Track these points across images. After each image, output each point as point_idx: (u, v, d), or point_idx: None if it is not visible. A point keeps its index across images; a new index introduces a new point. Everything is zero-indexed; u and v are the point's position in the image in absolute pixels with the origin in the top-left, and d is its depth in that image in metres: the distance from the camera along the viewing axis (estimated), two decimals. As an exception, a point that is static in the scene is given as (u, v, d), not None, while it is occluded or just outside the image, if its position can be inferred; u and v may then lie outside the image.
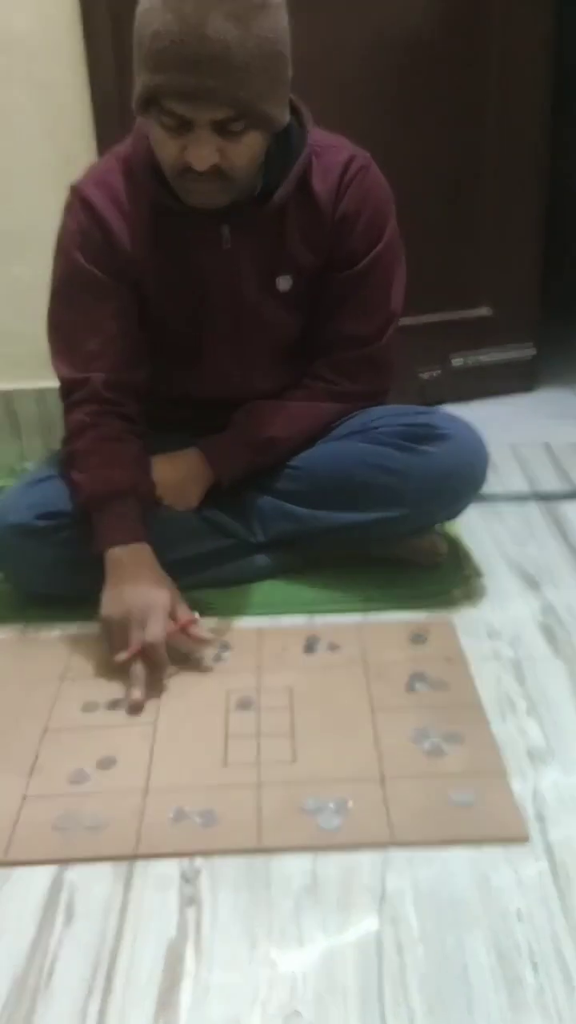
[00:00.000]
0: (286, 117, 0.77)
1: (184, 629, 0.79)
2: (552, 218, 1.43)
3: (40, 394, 1.30)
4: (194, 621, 0.80)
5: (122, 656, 0.77)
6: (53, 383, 1.30)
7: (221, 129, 0.72)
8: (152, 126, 0.75)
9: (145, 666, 0.77)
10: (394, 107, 1.26)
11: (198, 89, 0.69)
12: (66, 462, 0.87)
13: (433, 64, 1.25)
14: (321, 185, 0.84)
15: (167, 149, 0.75)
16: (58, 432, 1.30)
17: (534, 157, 1.36)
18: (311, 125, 0.84)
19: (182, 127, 0.72)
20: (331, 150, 0.85)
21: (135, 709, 0.75)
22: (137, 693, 0.76)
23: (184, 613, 0.80)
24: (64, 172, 1.20)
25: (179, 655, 0.82)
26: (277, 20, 0.71)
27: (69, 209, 0.86)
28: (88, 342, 0.85)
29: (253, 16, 0.69)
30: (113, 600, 0.79)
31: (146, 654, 0.77)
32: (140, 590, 0.78)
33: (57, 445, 1.23)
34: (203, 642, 0.81)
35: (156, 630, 0.77)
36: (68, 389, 0.88)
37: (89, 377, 0.86)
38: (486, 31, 1.26)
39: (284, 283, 0.87)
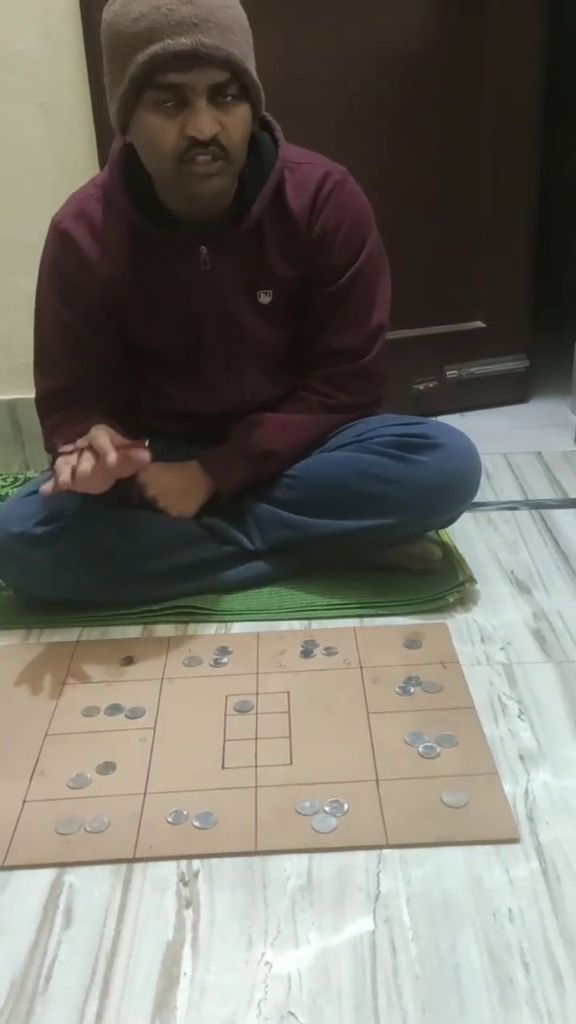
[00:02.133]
0: (263, 99, 0.78)
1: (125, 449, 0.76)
2: (545, 230, 1.46)
3: (42, 404, 1.32)
4: (139, 447, 0.77)
5: (66, 451, 0.75)
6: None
7: (216, 99, 0.73)
8: (145, 118, 0.75)
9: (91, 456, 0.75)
10: (390, 123, 1.28)
11: (196, 48, 0.70)
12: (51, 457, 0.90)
13: (429, 81, 1.28)
14: (296, 199, 0.85)
15: (165, 135, 0.74)
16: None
17: (528, 171, 1.38)
18: (283, 141, 0.85)
19: (178, 104, 0.73)
20: (305, 166, 0.86)
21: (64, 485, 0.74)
22: (64, 476, 0.74)
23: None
24: (65, 188, 1.22)
25: (183, 659, 0.83)
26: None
27: (50, 244, 0.88)
28: (53, 368, 0.92)
29: None
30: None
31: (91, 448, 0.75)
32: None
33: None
34: (138, 461, 0.77)
35: (100, 436, 0.75)
36: (43, 400, 0.93)
37: (63, 385, 0.91)
38: (482, 46, 1.29)
39: (265, 297, 0.89)
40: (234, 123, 0.75)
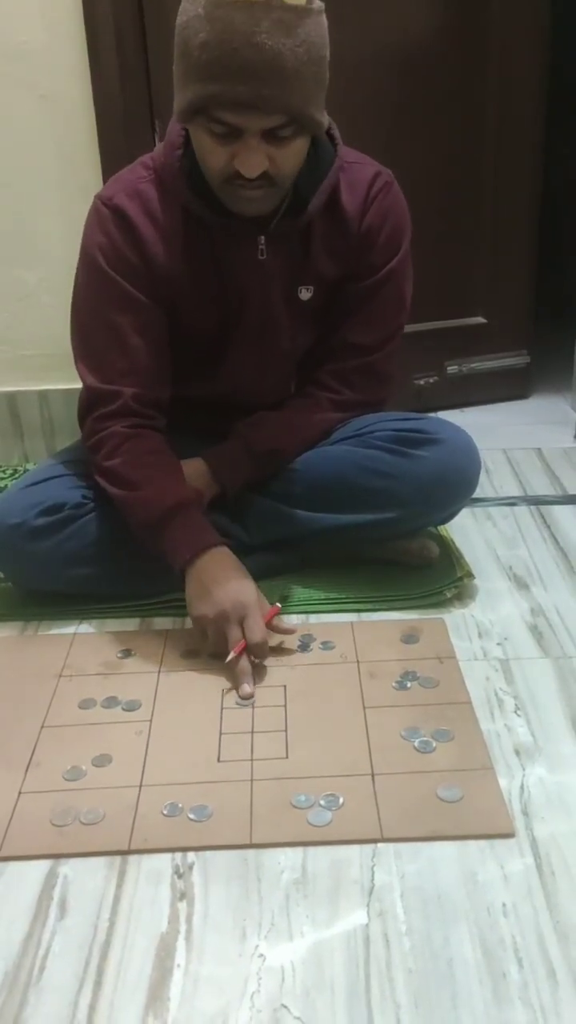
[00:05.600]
0: (326, 119, 0.78)
1: (269, 623, 0.81)
2: (546, 226, 1.45)
3: (43, 396, 1.32)
4: (277, 613, 0.82)
5: (231, 657, 0.78)
6: (55, 385, 1.32)
7: (270, 136, 0.73)
8: (198, 134, 0.75)
9: (248, 659, 0.79)
10: (391, 120, 1.28)
11: (253, 98, 0.70)
12: (110, 475, 0.84)
13: (431, 78, 1.27)
14: (349, 199, 0.86)
15: (215, 157, 0.75)
16: (61, 434, 1.33)
17: (530, 168, 1.38)
18: (340, 140, 0.85)
19: (231, 135, 0.73)
20: (356, 165, 0.87)
21: (247, 698, 0.77)
22: (248, 688, 0.77)
23: (264, 603, 0.81)
24: (67, 180, 1.23)
25: (181, 652, 0.83)
26: (321, 25, 0.72)
27: (99, 219, 0.84)
28: (116, 357, 0.84)
29: (301, 23, 0.69)
30: (203, 600, 0.79)
31: (251, 651, 0.79)
32: (230, 588, 0.79)
33: (58, 446, 1.24)
34: (289, 632, 0.83)
35: (259, 629, 0.78)
36: (95, 399, 0.86)
37: (120, 391, 0.84)
38: (483, 44, 1.28)
39: (305, 293, 0.89)
40: (286, 156, 0.75)
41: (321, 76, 0.74)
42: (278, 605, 0.83)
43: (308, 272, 0.88)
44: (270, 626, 0.82)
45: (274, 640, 0.84)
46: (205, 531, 0.83)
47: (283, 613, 0.91)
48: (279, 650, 0.84)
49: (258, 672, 0.80)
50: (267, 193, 0.77)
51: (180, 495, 0.83)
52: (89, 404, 0.87)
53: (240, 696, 0.77)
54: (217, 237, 0.84)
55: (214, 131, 0.73)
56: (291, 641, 0.85)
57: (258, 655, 0.79)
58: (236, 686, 0.78)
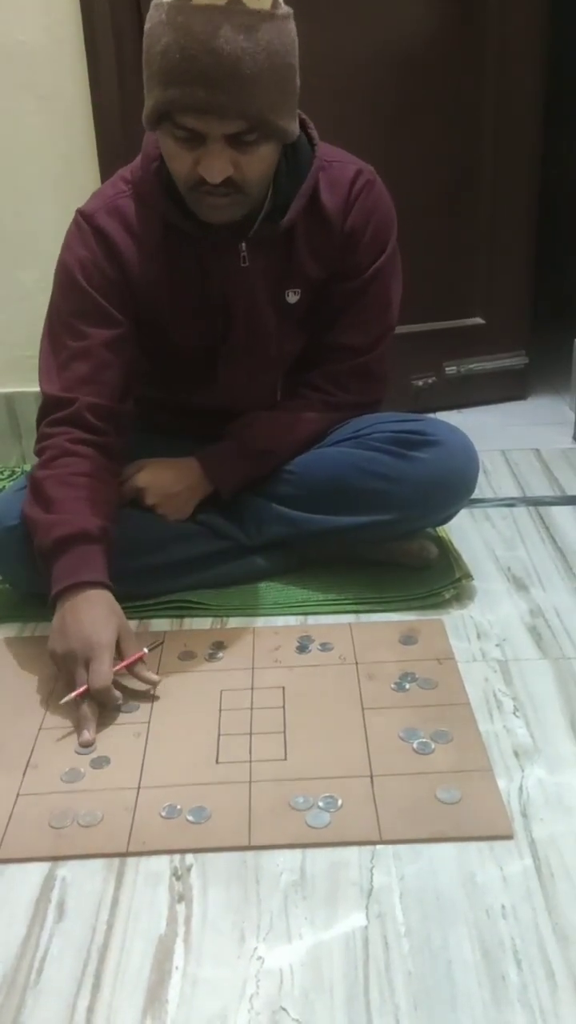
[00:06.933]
0: (296, 128, 0.77)
1: (129, 668, 0.76)
2: (545, 226, 1.45)
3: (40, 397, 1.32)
4: (140, 659, 0.76)
5: (66, 700, 0.73)
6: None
7: (234, 141, 0.72)
8: (164, 140, 0.75)
9: (93, 705, 0.74)
10: (389, 119, 1.28)
11: (210, 104, 0.69)
12: (35, 488, 0.82)
13: (428, 77, 1.27)
14: (330, 199, 0.85)
15: (180, 162, 0.75)
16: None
17: (528, 168, 1.38)
18: (318, 140, 0.85)
19: (195, 140, 0.73)
20: (338, 164, 0.86)
21: (86, 746, 0.72)
22: (87, 734, 0.72)
23: (132, 649, 0.76)
24: (66, 180, 1.23)
25: (178, 654, 0.83)
26: (285, 31, 0.71)
27: (80, 235, 0.84)
28: (79, 365, 0.83)
29: (262, 28, 0.69)
30: (58, 635, 0.76)
31: (93, 696, 0.74)
32: (84, 626, 0.75)
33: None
34: (150, 682, 0.77)
35: (101, 675, 0.73)
36: (50, 406, 0.85)
37: (75, 399, 0.83)
38: (482, 44, 1.28)
39: (293, 296, 0.88)
40: (251, 162, 0.74)
41: (285, 82, 0.72)
42: (145, 651, 0.77)
43: (293, 275, 0.87)
44: (131, 672, 0.76)
45: (271, 642, 0.84)
46: (92, 568, 0.77)
47: (281, 615, 0.91)
48: (277, 651, 0.83)
49: (256, 673, 0.79)
50: (234, 200, 0.76)
51: (83, 525, 0.78)
52: (43, 409, 0.85)
53: (79, 743, 0.72)
54: (198, 248, 0.84)
55: (177, 136, 0.73)
56: (289, 643, 0.85)
57: (100, 701, 0.74)
58: (77, 731, 0.73)
